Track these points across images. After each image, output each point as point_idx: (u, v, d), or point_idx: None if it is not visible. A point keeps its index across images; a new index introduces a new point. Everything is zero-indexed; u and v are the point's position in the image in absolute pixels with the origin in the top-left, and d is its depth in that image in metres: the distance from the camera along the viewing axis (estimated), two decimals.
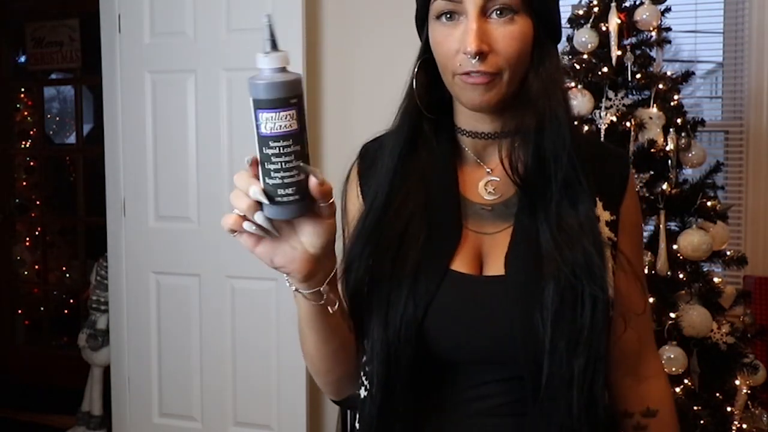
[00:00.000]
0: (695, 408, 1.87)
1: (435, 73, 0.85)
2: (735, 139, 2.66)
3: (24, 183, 4.22)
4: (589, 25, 2.06)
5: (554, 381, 0.77)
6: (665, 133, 1.98)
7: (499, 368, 0.82)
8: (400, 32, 2.62)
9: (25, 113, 4.21)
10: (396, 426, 0.81)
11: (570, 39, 2.12)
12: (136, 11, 2.68)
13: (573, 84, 2.01)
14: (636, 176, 1.94)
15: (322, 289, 0.74)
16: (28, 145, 4.21)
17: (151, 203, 2.72)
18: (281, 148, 0.64)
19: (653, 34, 2.05)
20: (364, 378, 0.84)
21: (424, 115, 0.88)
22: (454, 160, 0.89)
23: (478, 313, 0.80)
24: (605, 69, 2.02)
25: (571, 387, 0.77)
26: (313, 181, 0.65)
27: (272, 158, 0.65)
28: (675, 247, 1.94)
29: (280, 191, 0.65)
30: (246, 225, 0.67)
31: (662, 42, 2.06)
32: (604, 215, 0.86)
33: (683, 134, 1.98)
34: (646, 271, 1.87)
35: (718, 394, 1.94)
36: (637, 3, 2.06)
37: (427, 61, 0.86)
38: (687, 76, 2.05)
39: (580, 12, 2.10)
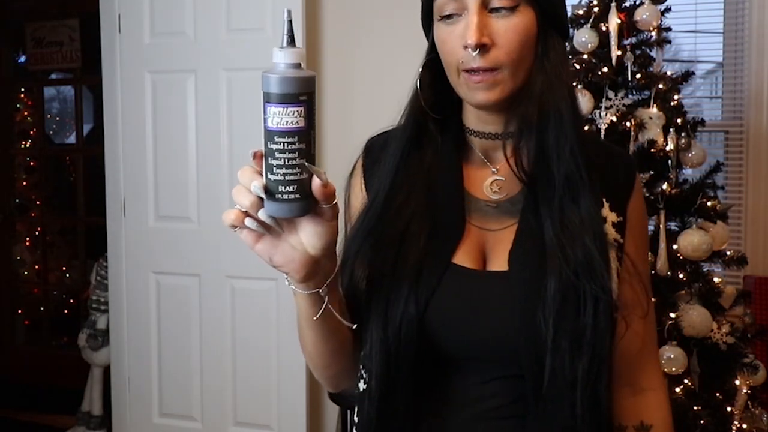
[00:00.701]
0: (695, 408, 1.87)
1: (441, 74, 0.85)
2: (735, 139, 2.66)
3: (24, 183, 4.22)
4: (589, 25, 2.06)
5: (557, 380, 0.76)
6: (665, 133, 1.97)
7: (500, 365, 0.81)
8: (400, 32, 2.63)
9: (25, 113, 4.21)
10: (395, 423, 0.81)
11: (570, 39, 2.12)
12: (136, 11, 2.68)
13: (573, 84, 2.01)
14: None
15: (321, 291, 0.73)
16: (28, 145, 4.21)
17: (151, 203, 2.72)
18: (286, 144, 0.64)
19: (653, 34, 2.05)
20: (363, 371, 0.84)
21: (430, 115, 0.88)
22: (459, 158, 0.89)
23: (480, 307, 0.80)
24: (605, 69, 2.02)
25: (574, 387, 0.76)
26: (316, 182, 0.65)
27: (276, 154, 0.64)
28: (675, 247, 1.94)
29: (281, 188, 0.64)
30: (247, 221, 0.66)
31: (662, 42, 2.06)
32: (611, 216, 0.85)
33: (683, 134, 1.98)
34: None
35: (718, 394, 1.94)
36: (637, 3, 2.05)
37: (433, 61, 0.86)
38: (687, 76, 2.05)
39: (580, 12, 2.10)
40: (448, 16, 0.80)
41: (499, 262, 0.82)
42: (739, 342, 1.95)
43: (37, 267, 4.22)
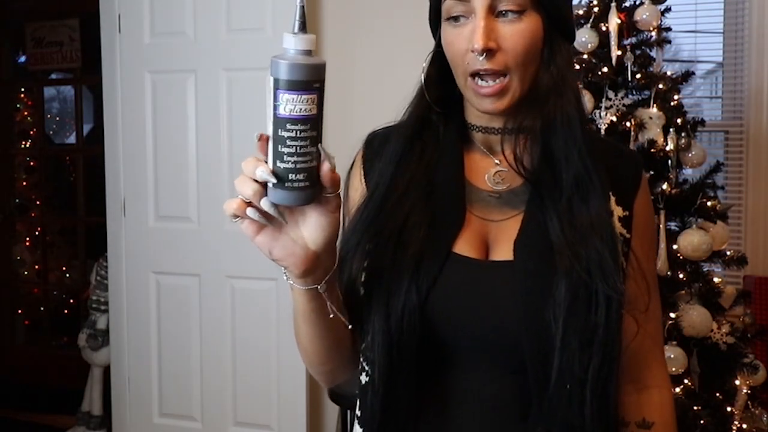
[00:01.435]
0: (695, 408, 1.87)
1: (446, 68, 0.85)
2: (735, 139, 2.66)
3: (24, 183, 4.22)
4: (589, 25, 2.06)
5: (565, 379, 0.76)
6: (665, 133, 1.98)
7: (502, 358, 0.81)
8: (400, 32, 2.63)
9: (25, 113, 4.21)
10: (398, 416, 0.81)
11: None
12: (136, 11, 2.68)
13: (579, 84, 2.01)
14: None
15: (319, 287, 0.73)
16: (28, 145, 4.21)
17: (151, 203, 2.72)
18: (298, 132, 0.63)
19: (653, 34, 2.05)
20: (365, 364, 0.83)
21: (433, 109, 0.88)
22: (461, 150, 0.89)
23: (482, 296, 0.80)
24: (605, 69, 2.02)
25: (584, 386, 0.76)
26: (326, 167, 0.65)
27: (287, 141, 0.63)
28: (675, 247, 1.94)
29: (291, 176, 0.63)
30: (249, 211, 0.66)
31: (662, 42, 2.06)
32: (617, 210, 0.85)
33: (683, 134, 1.98)
34: None
35: (718, 394, 1.94)
36: (637, 3, 2.06)
37: (438, 55, 0.86)
38: (687, 76, 2.05)
39: (580, 12, 2.10)
40: (456, 18, 0.81)
41: (502, 252, 0.82)
42: (739, 342, 1.95)
43: (37, 267, 4.22)
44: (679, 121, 1.98)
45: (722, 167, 2.17)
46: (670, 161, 1.96)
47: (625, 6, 2.06)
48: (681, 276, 1.94)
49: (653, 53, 2.08)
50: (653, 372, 0.91)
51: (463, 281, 0.80)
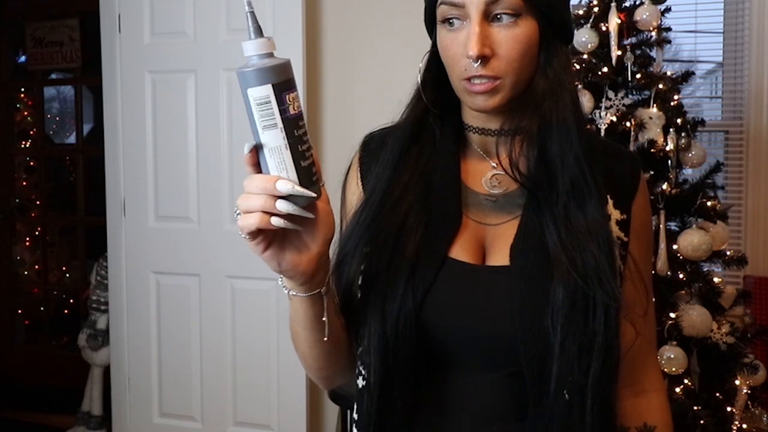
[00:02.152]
0: (695, 408, 1.87)
1: (443, 69, 0.85)
2: (735, 139, 2.66)
3: (24, 183, 4.22)
4: (589, 25, 2.06)
5: (564, 385, 0.76)
6: (665, 133, 1.98)
7: (498, 362, 0.81)
8: (400, 34, 2.63)
9: (25, 113, 4.21)
10: (395, 420, 0.81)
11: None
12: (136, 11, 2.68)
13: (576, 85, 2.01)
14: None
15: (322, 290, 0.73)
16: (28, 145, 4.21)
17: (151, 203, 2.72)
18: (305, 126, 0.64)
19: (653, 34, 2.05)
20: (361, 368, 0.83)
21: (430, 110, 0.88)
22: (457, 153, 0.88)
23: (479, 302, 0.80)
24: (605, 69, 2.02)
25: (584, 393, 0.76)
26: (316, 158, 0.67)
27: (303, 138, 0.63)
28: (675, 247, 1.94)
29: (314, 169, 0.65)
30: (274, 220, 0.64)
31: (662, 42, 2.06)
32: (615, 214, 0.85)
33: (683, 134, 1.98)
34: None
35: (718, 394, 1.94)
36: (637, 3, 2.05)
37: (435, 56, 0.86)
38: (687, 76, 2.05)
39: (580, 12, 2.10)
40: (450, 22, 0.80)
41: (499, 257, 0.82)
42: (739, 342, 1.95)
43: (37, 267, 4.22)
44: (679, 121, 1.98)
45: (722, 167, 2.17)
46: (670, 161, 1.96)
47: (625, 6, 2.06)
48: (681, 276, 1.94)
49: (653, 53, 2.08)
50: (649, 376, 0.91)
51: (458, 286, 0.80)
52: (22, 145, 4.21)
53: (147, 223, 2.73)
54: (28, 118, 4.21)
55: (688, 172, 2.08)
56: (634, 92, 2.07)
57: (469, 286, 0.80)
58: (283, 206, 0.63)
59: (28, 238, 4.23)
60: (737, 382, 1.93)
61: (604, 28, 2.05)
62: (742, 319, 2.01)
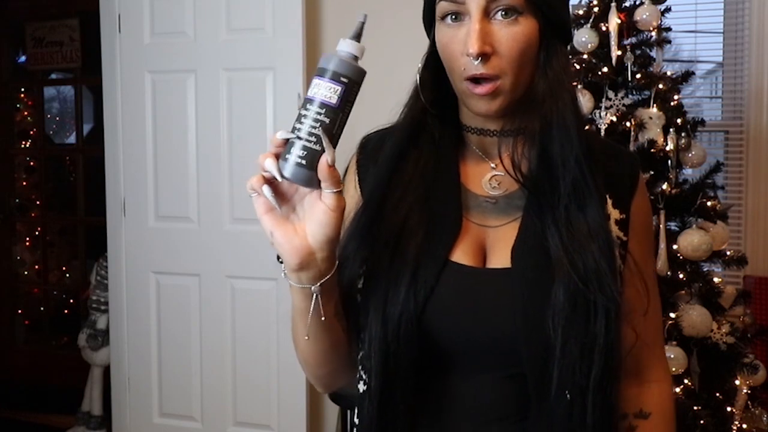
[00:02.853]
0: (695, 408, 1.87)
1: (441, 69, 0.84)
2: (735, 139, 2.66)
3: (24, 183, 4.22)
4: (589, 25, 2.06)
5: (566, 386, 0.76)
6: (665, 133, 1.98)
7: (500, 364, 0.81)
8: (400, 33, 2.63)
9: (25, 113, 4.21)
10: (396, 424, 0.80)
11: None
12: (136, 11, 2.68)
13: (575, 85, 2.01)
14: None
15: (312, 288, 0.73)
16: (28, 145, 4.21)
17: (151, 203, 2.72)
18: (313, 113, 0.69)
19: (653, 34, 2.05)
20: (363, 372, 0.83)
21: (429, 111, 0.87)
22: (456, 154, 0.88)
23: (480, 305, 0.79)
24: (605, 69, 2.02)
25: (585, 395, 0.76)
26: (324, 158, 0.68)
27: (302, 119, 0.69)
28: (675, 247, 1.94)
29: (295, 150, 0.69)
30: (265, 188, 0.69)
31: (662, 42, 2.06)
32: (614, 213, 0.85)
33: (683, 134, 1.98)
34: None
35: (718, 394, 1.94)
36: (637, 3, 2.06)
37: (433, 56, 0.86)
38: (687, 76, 2.05)
39: (580, 12, 2.10)
40: (450, 18, 0.80)
41: (500, 259, 0.81)
42: (739, 342, 1.95)
43: (37, 267, 4.21)
44: (679, 121, 1.98)
45: (722, 167, 2.17)
46: (670, 161, 1.97)
47: (625, 6, 2.06)
48: (681, 276, 1.94)
49: (653, 53, 2.08)
50: (653, 369, 0.92)
51: (460, 289, 0.80)
52: (22, 145, 4.21)
53: (147, 223, 2.73)
54: (28, 118, 4.21)
55: (688, 172, 2.08)
56: (634, 92, 2.07)
57: (471, 289, 0.80)
58: (271, 166, 0.69)
59: (28, 238, 4.23)
60: (737, 382, 1.93)
61: (604, 28, 2.05)
62: (742, 319, 2.01)
